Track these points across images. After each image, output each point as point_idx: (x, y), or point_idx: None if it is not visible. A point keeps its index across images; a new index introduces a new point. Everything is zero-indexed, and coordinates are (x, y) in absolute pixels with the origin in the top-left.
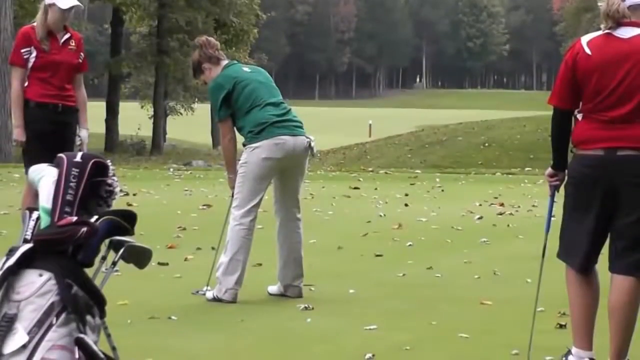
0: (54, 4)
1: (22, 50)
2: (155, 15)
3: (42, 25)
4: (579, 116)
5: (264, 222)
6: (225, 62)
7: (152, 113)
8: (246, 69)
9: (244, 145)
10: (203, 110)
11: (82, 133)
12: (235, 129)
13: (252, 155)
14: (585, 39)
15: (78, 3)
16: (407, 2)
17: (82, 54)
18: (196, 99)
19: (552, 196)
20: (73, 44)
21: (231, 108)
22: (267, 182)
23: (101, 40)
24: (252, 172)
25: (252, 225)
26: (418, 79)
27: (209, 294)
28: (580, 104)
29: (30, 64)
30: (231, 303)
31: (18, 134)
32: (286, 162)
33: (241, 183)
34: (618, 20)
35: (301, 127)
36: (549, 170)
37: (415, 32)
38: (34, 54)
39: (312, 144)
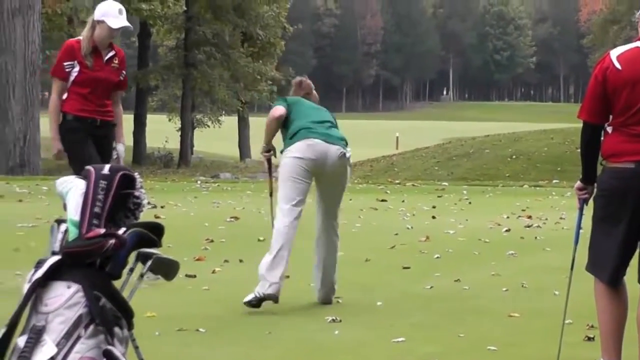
0: (103, 22)
1: (65, 64)
2: (183, 28)
3: (88, 41)
4: (609, 129)
5: None
6: None
7: (180, 125)
8: (314, 105)
9: (282, 152)
10: (230, 123)
11: (119, 147)
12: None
13: (285, 157)
14: (614, 53)
15: (129, 24)
16: (434, 15)
17: (124, 72)
18: (223, 112)
19: (581, 209)
20: (116, 61)
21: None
22: (304, 181)
23: (129, 53)
24: (286, 173)
25: (295, 223)
26: (445, 92)
27: (248, 297)
28: (611, 117)
29: (71, 78)
30: (272, 301)
31: (55, 145)
32: (320, 166)
33: (280, 185)
34: None
35: (340, 139)
36: (578, 183)
37: (442, 44)
38: (77, 68)
39: (348, 154)
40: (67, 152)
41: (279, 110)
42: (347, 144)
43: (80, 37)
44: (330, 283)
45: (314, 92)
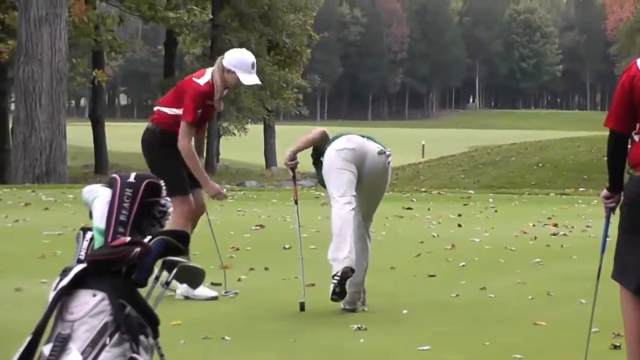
0: (234, 72)
1: (198, 111)
2: (209, 37)
3: (222, 89)
4: (636, 138)
5: (317, 242)
6: None
7: (206, 134)
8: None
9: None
10: (256, 131)
11: None
12: None
13: (328, 153)
14: None
15: (259, 81)
16: (460, 22)
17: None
18: (249, 120)
19: (608, 218)
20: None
21: None
22: (347, 170)
23: (155, 62)
24: (327, 166)
25: (348, 208)
26: (471, 99)
27: (330, 289)
28: (638, 126)
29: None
30: (344, 277)
31: (211, 189)
32: (359, 157)
33: (326, 181)
34: None
35: (380, 143)
36: (605, 192)
37: (468, 52)
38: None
39: (388, 152)
40: (162, 163)
41: (324, 130)
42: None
43: (207, 80)
44: (357, 285)
45: None
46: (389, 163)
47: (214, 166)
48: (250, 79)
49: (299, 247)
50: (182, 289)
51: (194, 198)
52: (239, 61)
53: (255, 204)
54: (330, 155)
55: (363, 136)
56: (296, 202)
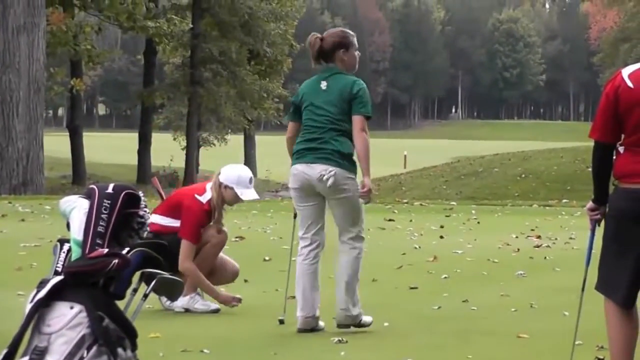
0: (232, 189)
1: (201, 229)
2: (189, 46)
3: (220, 206)
4: (621, 149)
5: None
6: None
7: (185, 144)
8: (323, 85)
9: None
10: (236, 141)
11: None
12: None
13: None
14: (626, 71)
15: (257, 195)
16: (443, 32)
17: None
18: (229, 130)
19: (593, 230)
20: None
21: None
22: (303, 206)
23: (134, 71)
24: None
25: (306, 252)
26: (454, 110)
27: None
28: (623, 136)
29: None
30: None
31: (225, 300)
32: (309, 190)
33: None
34: None
35: (328, 156)
36: (590, 204)
37: (451, 62)
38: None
39: (325, 175)
40: None
41: (288, 129)
42: (342, 156)
43: (210, 198)
44: (342, 302)
45: (339, 53)
46: (329, 187)
47: (194, 177)
48: (248, 194)
49: (289, 261)
50: (182, 301)
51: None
52: (238, 177)
53: (234, 215)
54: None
55: (311, 157)
56: (295, 217)
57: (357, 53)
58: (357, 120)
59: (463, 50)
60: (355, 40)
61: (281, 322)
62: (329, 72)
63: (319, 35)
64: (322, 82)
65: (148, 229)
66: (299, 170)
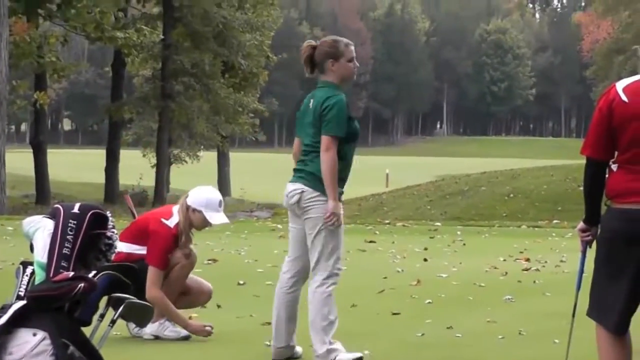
0: (201, 212)
1: (169, 255)
2: (160, 57)
3: (187, 231)
4: (614, 167)
5: (274, 277)
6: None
7: (155, 161)
8: (311, 101)
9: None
10: (209, 159)
11: None
12: None
13: None
14: (620, 85)
15: (227, 220)
16: (428, 43)
17: None
18: (202, 146)
19: (584, 252)
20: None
21: None
22: (290, 229)
23: (102, 84)
24: None
25: (283, 279)
26: (439, 125)
27: None
28: (616, 153)
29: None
30: None
31: (195, 330)
32: (292, 211)
33: None
34: None
35: (302, 176)
36: (581, 224)
37: (436, 74)
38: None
39: (291, 193)
40: None
41: (294, 145)
42: (315, 177)
43: (177, 222)
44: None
45: (327, 64)
46: (293, 204)
47: (164, 196)
48: (218, 218)
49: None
50: (152, 327)
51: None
52: (206, 200)
53: (207, 236)
54: None
55: (295, 171)
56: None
57: (350, 64)
58: (322, 140)
59: (449, 63)
60: (349, 49)
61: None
62: (317, 86)
63: (313, 43)
64: (311, 98)
65: (116, 250)
66: (289, 183)
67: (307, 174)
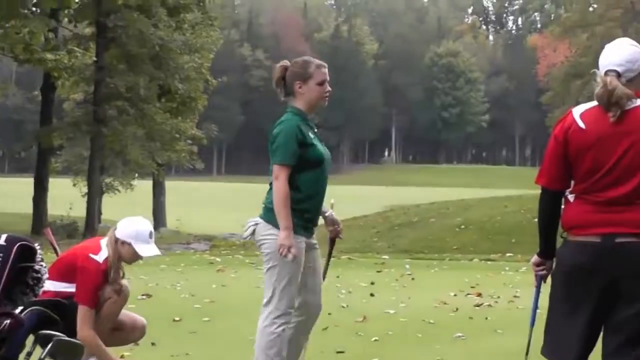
0: (130, 245)
1: (99, 292)
2: (92, 80)
3: (117, 267)
4: (571, 197)
5: (212, 314)
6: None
7: (86, 190)
8: None
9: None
10: (144, 188)
11: None
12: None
13: None
14: (577, 111)
15: (159, 251)
16: (376, 67)
17: None
18: (136, 175)
19: (538, 287)
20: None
21: None
22: None
23: (30, 108)
24: None
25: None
26: (387, 153)
27: None
28: (572, 183)
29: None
30: None
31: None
32: None
33: None
34: (623, 105)
35: (262, 208)
36: (535, 258)
37: (385, 100)
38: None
39: (247, 226)
40: None
41: None
42: (267, 209)
43: (107, 256)
44: None
45: (295, 86)
46: (247, 237)
47: (95, 227)
48: (149, 249)
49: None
50: None
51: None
52: (135, 232)
53: (141, 270)
54: None
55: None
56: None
57: (320, 87)
58: (272, 169)
59: (398, 87)
60: (320, 71)
61: None
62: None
63: (287, 63)
64: None
65: (44, 284)
66: None
67: (263, 206)
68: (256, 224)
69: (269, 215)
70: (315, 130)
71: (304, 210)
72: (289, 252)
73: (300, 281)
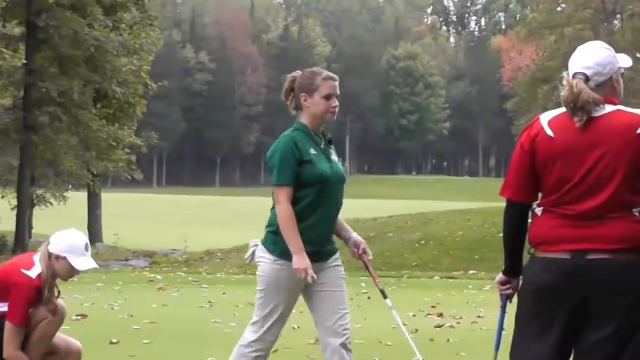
0: (65, 259)
1: (30, 310)
2: (21, 84)
3: (51, 284)
4: (538, 210)
5: (153, 335)
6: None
7: (16, 203)
8: None
9: None
10: (78, 199)
11: None
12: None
13: None
14: (545, 118)
15: (96, 264)
16: (329, 70)
17: None
18: (70, 186)
19: (504, 307)
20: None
21: None
22: None
23: None
24: None
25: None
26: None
27: None
28: (540, 195)
29: None
30: None
31: None
32: None
33: None
34: (590, 111)
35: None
36: (500, 276)
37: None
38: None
39: (250, 246)
40: None
41: None
42: (266, 232)
43: (40, 272)
44: None
45: (300, 98)
46: (247, 258)
47: (25, 242)
48: (85, 263)
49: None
50: None
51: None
52: (70, 245)
53: (75, 289)
54: None
55: None
56: (385, 296)
57: (326, 101)
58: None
59: (352, 92)
60: (327, 84)
61: None
62: None
63: (297, 73)
64: None
65: None
66: None
67: (265, 228)
68: (256, 246)
69: (265, 237)
70: (323, 145)
71: (305, 241)
72: (306, 274)
73: (311, 306)
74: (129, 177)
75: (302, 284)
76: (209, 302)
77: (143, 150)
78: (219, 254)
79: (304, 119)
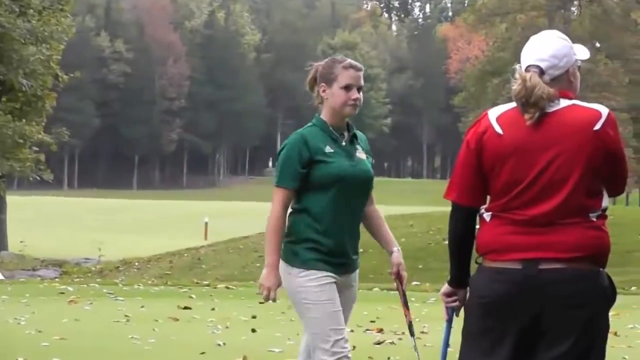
0: None
1: None
2: None
3: None
4: (486, 216)
5: (64, 353)
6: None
7: None
8: None
9: None
10: None
11: None
12: None
13: None
14: (493, 113)
15: (2, 277)
16: (259, 61)
17: None
18: None
19: (450, 321)
20: None
21: None
22: None
23: None
24: None
25: None
26: (271, 163)
27: None
28: (489, 199)
29: None
30: None
31: None
32: None
33: None
34: (543, 107)
35: None
36: (446, 287)
37: (269, 100)
38: None
39: None
40: None
41: None
42: (288, 242)
43: None
44: None
45: (319, 89)
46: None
47: None
48: None
49: None
50: None
51: None
52: None
53: None
54: None
55: None
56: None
57: (345, 92)
58: None
59: (284, 85)
60: (347, 73)
61: None
62: None
63: (322, 63)
64: None
65: None
66: None
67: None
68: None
69: (284, 251)
70: (345, 142)
71: (318, 242)
72: (268, 293)
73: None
74: (37, 178)
75: (334, 289)
76: (126, 316)
77: (53, 149)
78: (136, 264)
79: (324, 112)
